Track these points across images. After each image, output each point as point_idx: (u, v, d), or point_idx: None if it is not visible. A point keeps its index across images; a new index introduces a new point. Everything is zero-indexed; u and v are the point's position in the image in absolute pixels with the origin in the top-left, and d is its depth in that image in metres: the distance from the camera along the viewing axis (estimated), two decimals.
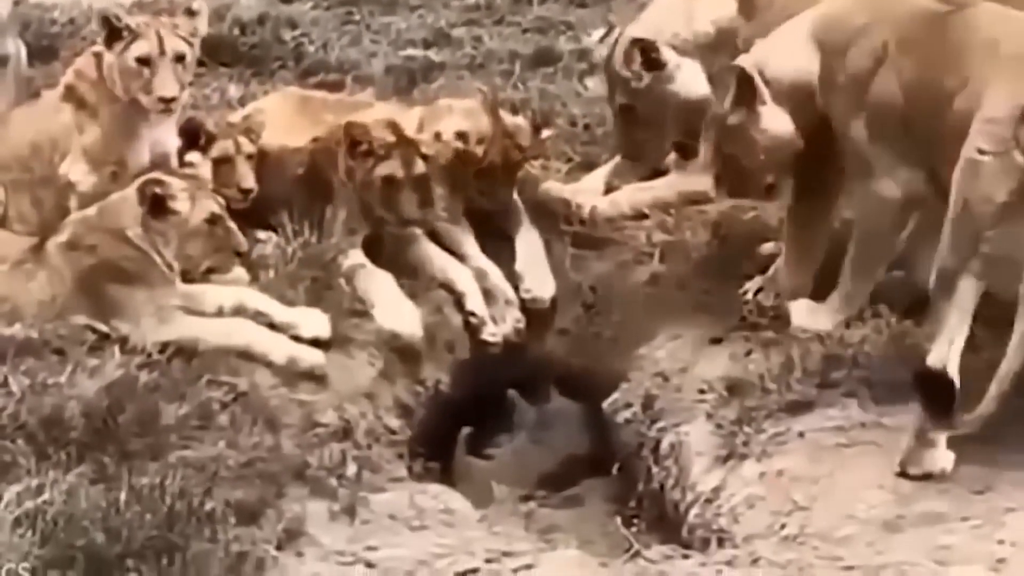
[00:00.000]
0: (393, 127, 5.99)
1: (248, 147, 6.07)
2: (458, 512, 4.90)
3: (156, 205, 5.41)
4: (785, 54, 5.39)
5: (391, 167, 5.91)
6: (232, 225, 5.54)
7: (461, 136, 6.22)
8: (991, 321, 4.81)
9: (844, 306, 5.44)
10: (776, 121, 5.40)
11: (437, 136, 6.12)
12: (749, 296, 5.71)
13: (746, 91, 5.38)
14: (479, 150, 6.22)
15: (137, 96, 5.79)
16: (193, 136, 6.01)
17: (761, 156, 5.46)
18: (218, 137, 6.02)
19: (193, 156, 5.86)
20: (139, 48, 5.77)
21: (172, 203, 5.42)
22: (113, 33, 5.79)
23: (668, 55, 6.04)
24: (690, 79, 6.04)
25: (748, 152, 5.47)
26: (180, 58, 5.81)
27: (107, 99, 5.88)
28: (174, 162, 5.93)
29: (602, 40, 6.38)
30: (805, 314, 5.48)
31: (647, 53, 6.05)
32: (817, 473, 4.81)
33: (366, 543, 4.58)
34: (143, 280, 5.40)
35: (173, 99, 5.79)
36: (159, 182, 5.45)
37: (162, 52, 5.77)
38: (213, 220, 5.49)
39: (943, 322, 4.70)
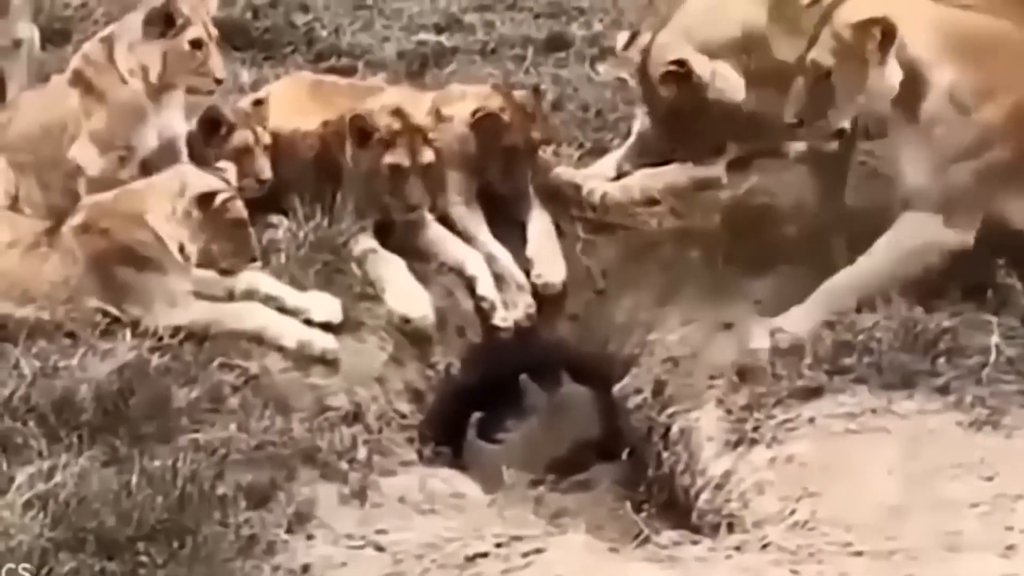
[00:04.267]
0: (399, 114, 5.95)
1: (265, 137, 6.10)
2: (468, 496, 4.91)
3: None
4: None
5: (397, 156, 5.89)
6: (251, 231, 5.53)
7: (478, 112, 6.22)
8: None
9: None
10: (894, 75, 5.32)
11: (438, 115, 6.08)
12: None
13: (888, 41, 5.27)
14: (505, 116, 6.20)
15: (188, 80, 5.89)
16: (213, 126, 6.03)
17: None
18: (237, 126, 6.05)
19: (223, 164, 5.88)
20: (193, 32, 5.84)
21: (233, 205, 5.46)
22: (168, 22, 5.84)
23: (700, 66, 6.00)
24: (725, 82, 6.01)
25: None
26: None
27: (114, 84, 5.89)
28: (182, 146, 5.96)
29: (627, 47, 6.30)
30: None
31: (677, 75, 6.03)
32: (827, 459, 4.81)
33: (376, 527, 4.58)
34: (156, 265, 5.40)
35: (221, 81, 5.96)
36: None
37: (210, 35, 5.87)
38: (241, 224, 5.49)
39: None
